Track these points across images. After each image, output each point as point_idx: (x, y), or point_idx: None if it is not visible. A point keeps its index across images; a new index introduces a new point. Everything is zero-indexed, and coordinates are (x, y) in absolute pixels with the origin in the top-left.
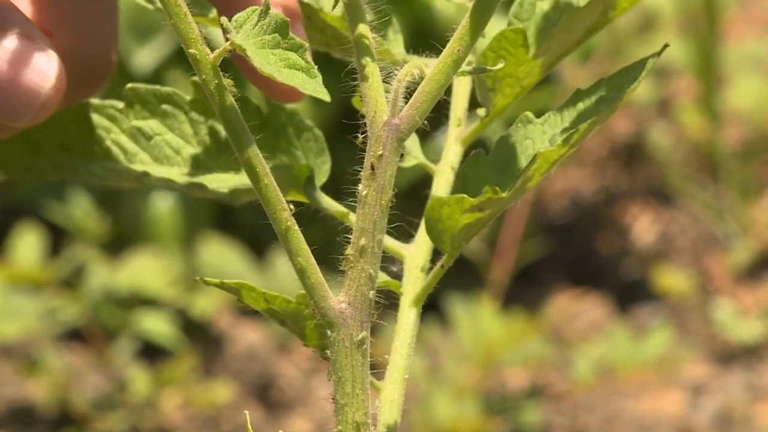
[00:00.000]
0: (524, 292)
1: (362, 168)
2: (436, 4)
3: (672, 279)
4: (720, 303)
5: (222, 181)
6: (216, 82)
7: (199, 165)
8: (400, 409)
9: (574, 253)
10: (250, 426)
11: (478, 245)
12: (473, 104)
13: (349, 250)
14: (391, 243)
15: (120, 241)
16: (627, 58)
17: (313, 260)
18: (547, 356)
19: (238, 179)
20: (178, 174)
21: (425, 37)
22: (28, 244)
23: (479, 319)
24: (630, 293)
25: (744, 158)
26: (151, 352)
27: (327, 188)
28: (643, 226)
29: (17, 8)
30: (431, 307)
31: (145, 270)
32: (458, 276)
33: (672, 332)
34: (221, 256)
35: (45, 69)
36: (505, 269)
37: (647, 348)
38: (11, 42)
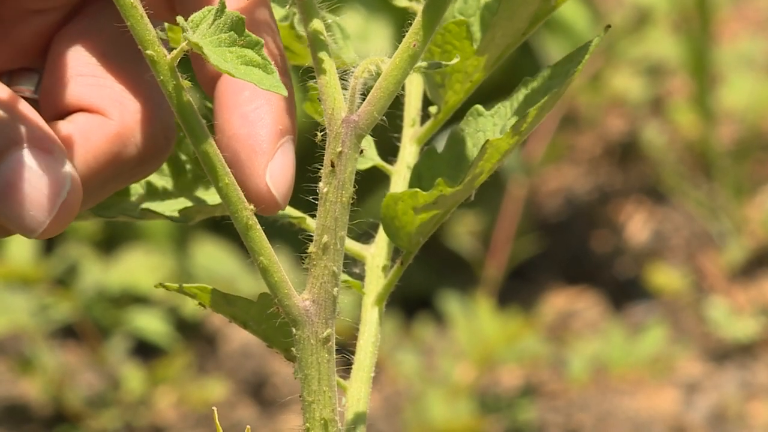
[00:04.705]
0: (518, 290)
1: (321, 166)
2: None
3: (666, 277)
4: (714, 301)
5: (173, 205)
6: (174, 82)
7: (151, 190)
8: (367, 407)
9: (568, 252)
10: (218, 421)
11: (471, 243)
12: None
13: (312, 248)
14: (352, 245)
15: (113, 239)
16: (620, 56)
17: (275, 258)
18: (541, 354)
19: (187, 201)
20: (131, 200)
21: None
22: (21, 242)
23: (475, 318)
24: (624, 292)
25: (737, 157)
26: (145, 350)
27: None
28: (637, 225)
29: (34, 113)
30: (425, 305)
31: (137, 268)
32: (452, 274)
33: (666, 330)
34: (214, 257)
35: (58, 184)
36: (499, 267)
37: (641, 346)
38: (22, 155)
